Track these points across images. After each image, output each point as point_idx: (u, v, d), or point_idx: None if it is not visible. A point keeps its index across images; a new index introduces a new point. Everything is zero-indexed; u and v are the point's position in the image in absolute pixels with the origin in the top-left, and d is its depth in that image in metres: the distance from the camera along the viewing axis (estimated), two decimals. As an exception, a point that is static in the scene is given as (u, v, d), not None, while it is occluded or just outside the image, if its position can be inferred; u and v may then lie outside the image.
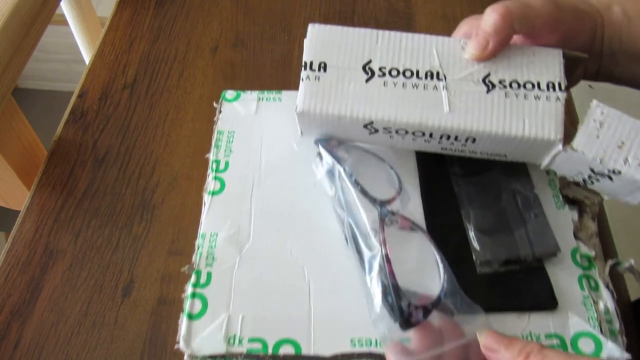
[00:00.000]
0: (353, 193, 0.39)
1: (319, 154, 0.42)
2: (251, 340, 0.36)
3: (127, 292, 0.41)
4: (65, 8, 0.72)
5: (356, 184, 0.39)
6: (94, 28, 0.76)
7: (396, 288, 0.34)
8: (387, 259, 0.34)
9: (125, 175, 0.48)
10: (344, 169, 0.40)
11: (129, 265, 0.42)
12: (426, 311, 0.33)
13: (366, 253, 0.36)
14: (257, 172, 0.44)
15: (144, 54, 0.58)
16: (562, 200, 0.41)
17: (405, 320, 0.33)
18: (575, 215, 0.40)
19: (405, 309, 0.33)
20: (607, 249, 0.42)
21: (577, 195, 0.41)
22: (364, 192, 0.38)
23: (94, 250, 0.43)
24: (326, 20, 0.61)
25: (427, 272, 0.36)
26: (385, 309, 0.34)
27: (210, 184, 0.43)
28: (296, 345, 0.36)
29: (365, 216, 0.37)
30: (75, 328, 0.39)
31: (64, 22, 0.74)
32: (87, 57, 0.78)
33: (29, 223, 0.45)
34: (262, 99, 0.48)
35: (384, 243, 0.35)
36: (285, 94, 0.49)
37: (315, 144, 0.42)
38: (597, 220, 0.41)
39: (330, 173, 0.41)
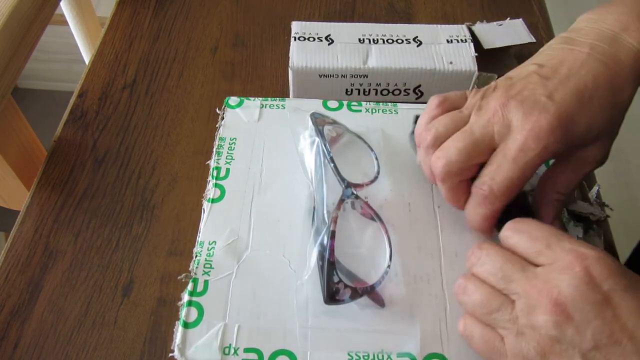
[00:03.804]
0: (323, 169, 0.41)
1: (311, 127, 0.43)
2: (247, 350, 0.35)
3: (127, 292, 0.41)
4: (65, 8, 0.72)
5: (331, 160, 0.40)
6: (93, 28, 0.76)
7: (331, 263, 0.35)
8: (332, 234, 0.36)
9: (125, 175, 0.48)
10: (324, 145, 0.41)
11: (129, 266, 0.42)
12: (354, 294, 0.35)
13: (320, 227, 0.38)
14: (257, 180, 0.43)
15: (144, 53, 0.58)
16: (568, 216, 0.41)
17: (330, 294, 0.34)
18: (580, 232, 0.40)
19: (333, 284, 0.35)
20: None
21: (582, 211, 0.41)
22: (335, 170, 0.40)
23: (93, 251, 0.43)
24: (326, 20, 0.61)
25: (373, 261, 0.37)
26: (319, 281, 0.36)
27: (210, 191, 0.42)
28: (292, 356, 0.35)
29: (329, 193, 0.39)
30: (75, 328, 0.39)
31: (64, 22, 0.74)
32: (86, 57, 0.78)
33: (28, 223, 0.45)
34: (265, 106, 0.48)
35: (334, 220, 0.37)
36: (289, 102, 0.49)
37: (310, 117, 0.43)
38: (602, 237, 0.40)
39: (312, 145, 0.42)
